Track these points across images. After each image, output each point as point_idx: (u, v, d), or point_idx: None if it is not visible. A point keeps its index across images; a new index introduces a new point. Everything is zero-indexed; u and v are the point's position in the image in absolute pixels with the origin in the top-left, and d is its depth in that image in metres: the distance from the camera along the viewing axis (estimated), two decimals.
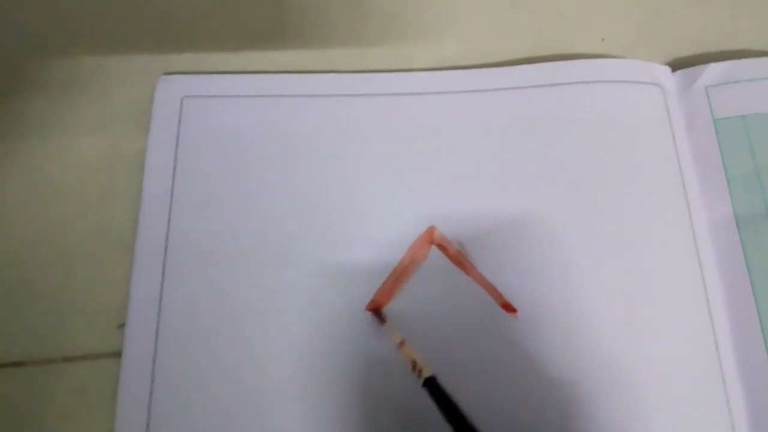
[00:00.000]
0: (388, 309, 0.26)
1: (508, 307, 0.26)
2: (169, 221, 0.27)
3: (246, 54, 0.31)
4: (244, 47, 0.31)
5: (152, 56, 0.31)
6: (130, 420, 0.24)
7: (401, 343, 0.25)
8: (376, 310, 0.26)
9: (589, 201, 0.28)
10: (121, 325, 0.26)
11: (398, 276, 0.27)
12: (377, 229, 0.27)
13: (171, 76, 0.30)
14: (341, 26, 0.32)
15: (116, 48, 0.31)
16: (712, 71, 0.30)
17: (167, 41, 0.31)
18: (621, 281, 0.27)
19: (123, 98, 0.30)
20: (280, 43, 0.32)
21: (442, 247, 0.27)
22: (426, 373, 0.24)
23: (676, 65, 0.31)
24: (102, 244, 0.28)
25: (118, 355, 0.26)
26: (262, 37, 0.32)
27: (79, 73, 0.31)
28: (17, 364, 0.26)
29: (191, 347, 0.25)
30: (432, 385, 0.24)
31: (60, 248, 0.28)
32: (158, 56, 0.31)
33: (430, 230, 0.27)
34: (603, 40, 0.33)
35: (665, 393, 0.25)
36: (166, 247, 0.27)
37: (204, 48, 0.31)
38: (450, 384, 0.25)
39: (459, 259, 0.27)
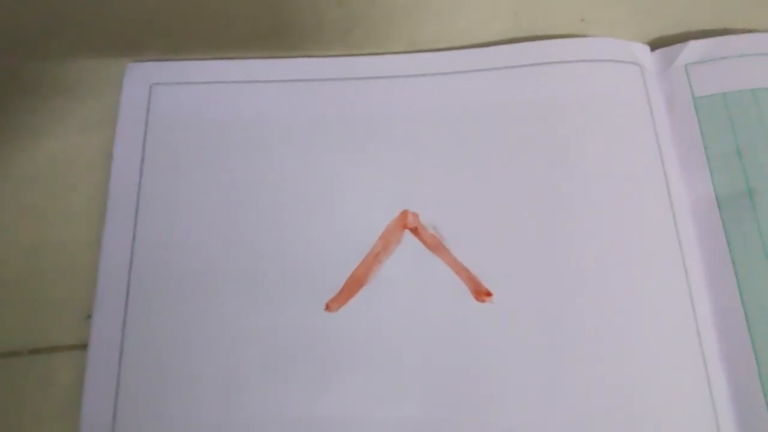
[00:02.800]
0: (360, 296, 0.26)
1: (480, 295, 0.25)
2: (137, 211, 0.27)
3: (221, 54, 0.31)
4: (220, 49, 0.31)
5: (126, 59, 0.30)
6: (97, 412, 0.24)
7: None
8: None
9: (567, 182, 0.27)
10: (89, 317, 0.25)
11: (371, 262, 0.26)
12: (350, 213, 0.27)
13: (139, 64, 0.29)
14: (318, 11, 0.32)
15: (89, 48, 0.30)
16: (692, 49, 0.30)
17: (143, 45, 0.30)
18: (600, 264, 0.26)
19: (93, 95, 0.29)
20: (259, 38, 0.31)
21: (416, 232, 0.27)
22: None
23: (657, 45, 0.31)
24: (70, 236, 0.27)
25: (85, 347, 0.25)
26: (240, 35, 0.31)
27: (49, 73, 0.30)
28: None
29: (158, 339, 0.25)
30: None
31: (26, 238, 0.27)
32: (133, 58, 0.30)
33: (404, 214, 0.27)
34: (582, 20, 0.32)
35: (644, 375, 0.25)
36: (134, 237, 0.26)
37: (181, 52, 0.31)
38: (421, 373, 0.24)
39: (433, 243, 0.26)
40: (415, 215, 0.27)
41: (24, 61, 0.30)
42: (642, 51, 0.30)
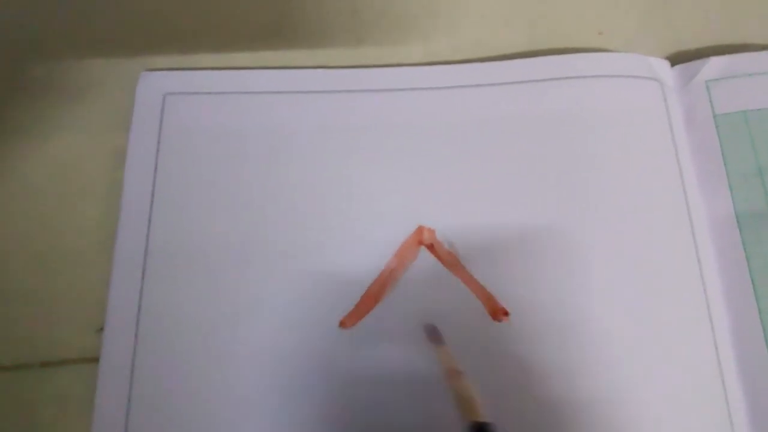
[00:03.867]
0: (373, 315, 0.25)
1: (497, 314, 0.25)
2: (150, 222, 0.26)
3: (232, 55, 0.30)
4: (230, 48, 0.30)
5: (137, 58, 0.30)
6: (108, 426, 0.23)
7: (457, 374, 0.21)
8: (431, 327, 0.24)
9: (586, 199, 0.27)
10: (100, 330, 0.25)
11: (385, 279, 0.26)
12: (365, 229, 0.27)
13: (153, 73, 0.29)
14: (330, 22, 0.31)
15: (100, 50, 0.30)
16: (713, 65, 0.29)
17: (153, 43, 0.30)
18: (618, 281, 0.26)
19: (104, 98, 0.29)
20: (269, 43, 0.31)
21: (432, 248, 0.26)
22: (482, 418, 0.20)
23: (676, 59, 0.30)
24: (81, 246, 0.27)
25: (97, 360, 0.25)
26: (251, 38, 0.31)
27: (59, 75, 0.30)
28: None
29: (170, 352, 0.25)
30: None
31: (38, 250, 0.27)
32: (143, 58, 0.30)
33: (420, 230, 0.26)
34: (600, 33, 0.32)
35: (662, 392, 0.24)
36: (146, 249, 0.26)
37: (191, 50, 0.30)
38: (436, 391, 0.24)
39: (450, 260, 0.26)
40: (431, 231, 0.26)
41: (33, 65, 0.30)
42: (662, 66, 0.30)
